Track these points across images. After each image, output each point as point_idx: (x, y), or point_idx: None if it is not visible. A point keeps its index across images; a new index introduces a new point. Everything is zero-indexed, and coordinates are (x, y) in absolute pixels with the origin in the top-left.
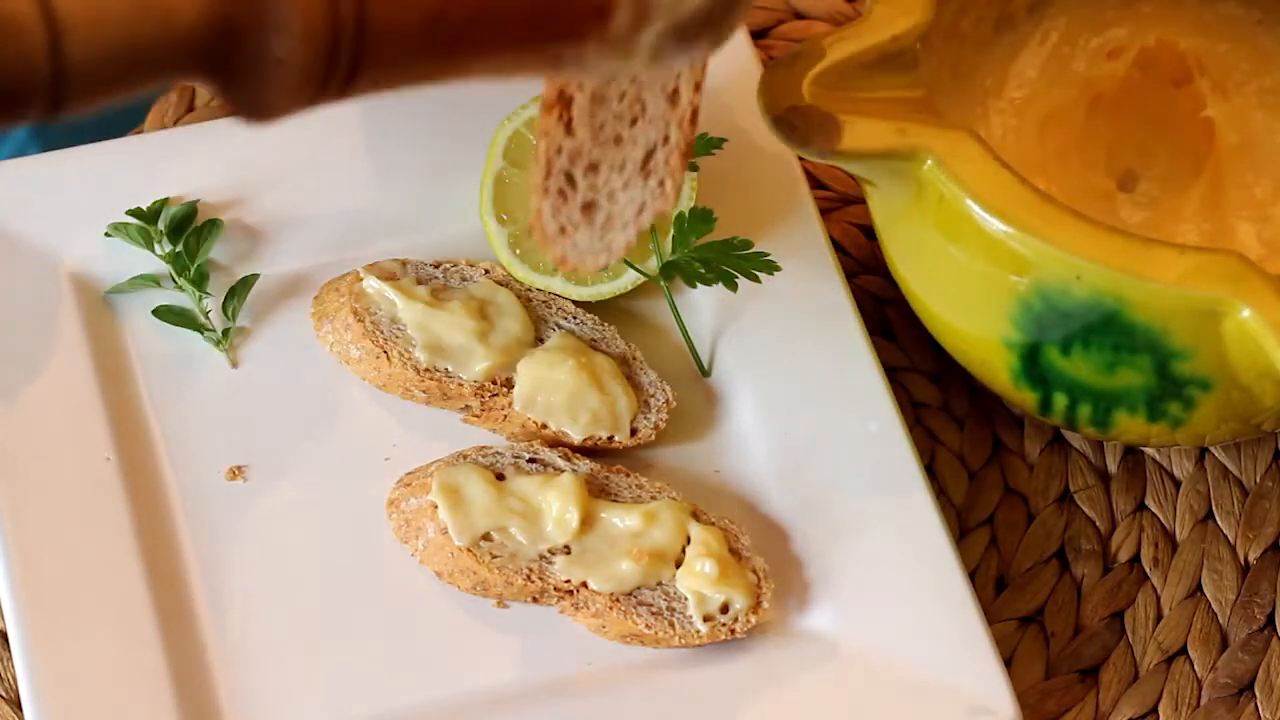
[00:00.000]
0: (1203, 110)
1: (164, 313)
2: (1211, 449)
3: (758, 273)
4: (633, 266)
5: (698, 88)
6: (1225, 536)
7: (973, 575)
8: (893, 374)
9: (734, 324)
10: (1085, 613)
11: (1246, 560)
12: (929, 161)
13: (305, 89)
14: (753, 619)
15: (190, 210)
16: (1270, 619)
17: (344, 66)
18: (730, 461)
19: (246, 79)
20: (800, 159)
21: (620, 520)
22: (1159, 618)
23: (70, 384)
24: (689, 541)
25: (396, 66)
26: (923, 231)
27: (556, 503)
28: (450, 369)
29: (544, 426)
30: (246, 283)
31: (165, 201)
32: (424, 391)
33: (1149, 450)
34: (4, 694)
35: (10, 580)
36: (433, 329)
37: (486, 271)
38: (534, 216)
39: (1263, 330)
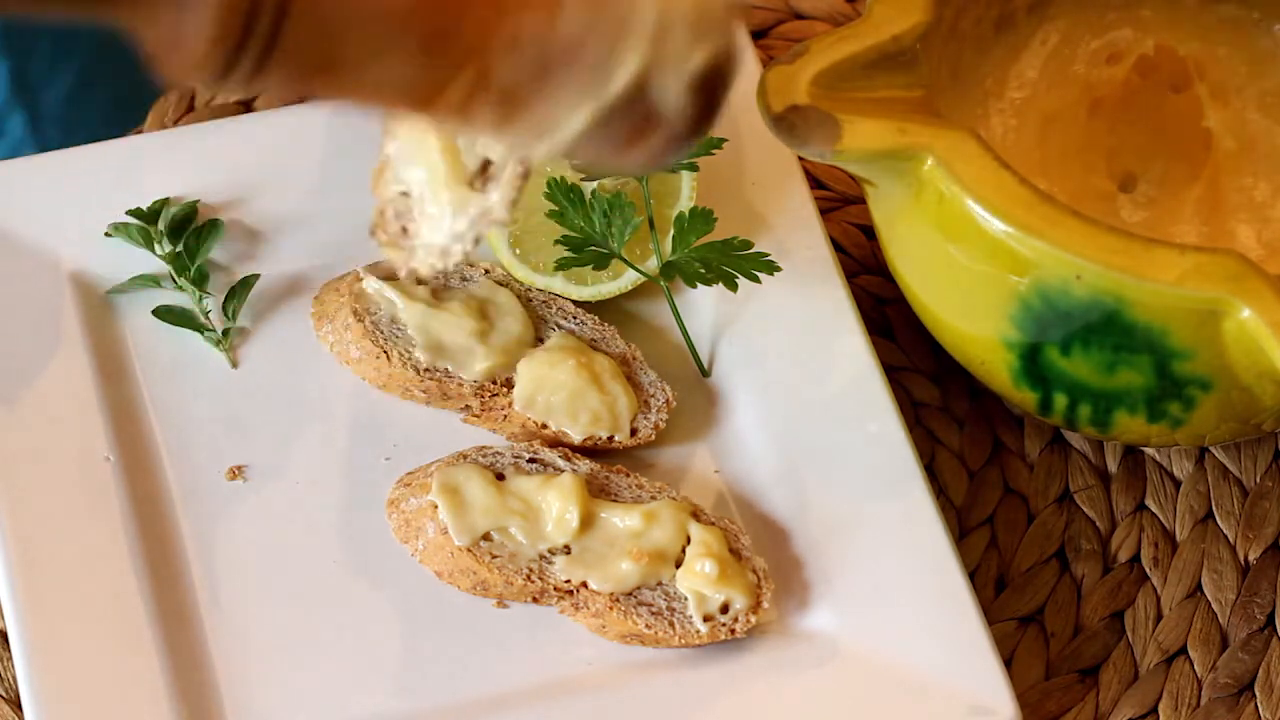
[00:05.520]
0: (1202, 119)
1: (164, 313)
2: (1211, 449)
3: (758, 273)
4: (633, 267)
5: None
6: (1225, 536)
7: (973, 575)
8: (893, 374)
9: (734, 324)
10: (1085, 613)
11: (1246, 560)
12: (929, 161)
13: (220, 46)
14: (753, 619)
15: (190, 210)
16: (1270, 619)
17: (261, 35)
18: (730, 461)
19: (159, 12)
20: (800, 159)
21: (620, 520)
22: (1159, 618)
23: (70, 384)
24: (689, 541)
25: (309, 60)
26: (923, 231)
27: (556, 503)
28: (450, 369)
29: (544, 426)
30: (246, 283)
31: (165, 201)
32: (424, 391)
33: (1149, 450)
34: (4, 694)
35: (10, 580)
36: (433, 329)
37: (486, 271)
38: (375, 215)
39: (1263, 330)
